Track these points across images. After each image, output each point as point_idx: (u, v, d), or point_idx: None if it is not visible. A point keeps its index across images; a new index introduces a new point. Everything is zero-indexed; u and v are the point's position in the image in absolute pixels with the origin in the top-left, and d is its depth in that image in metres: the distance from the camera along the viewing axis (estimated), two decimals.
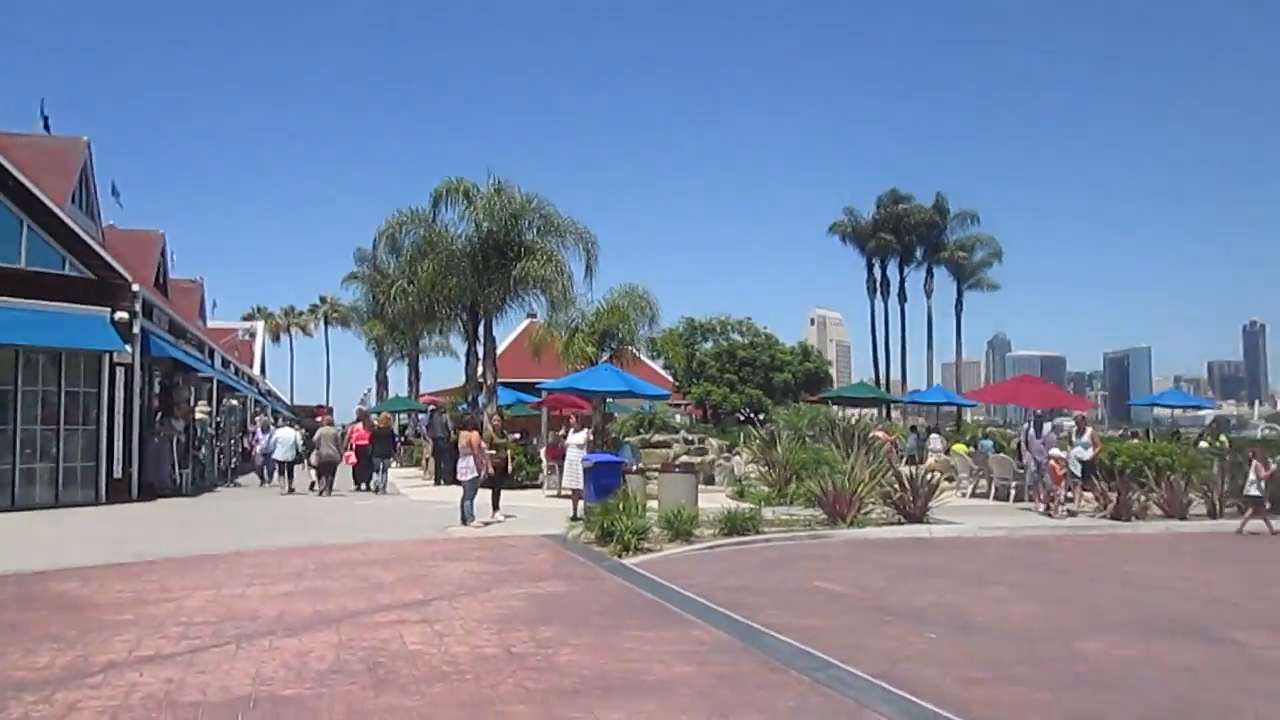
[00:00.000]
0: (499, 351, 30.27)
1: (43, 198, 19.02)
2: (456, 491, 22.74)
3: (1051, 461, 18.33)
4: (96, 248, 20.07)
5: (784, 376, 68.69)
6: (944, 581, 11.19)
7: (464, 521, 15.91)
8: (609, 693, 6.28)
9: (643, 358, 42.35)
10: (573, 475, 17.38)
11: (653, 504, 15.03)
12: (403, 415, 49.06)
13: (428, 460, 29.49)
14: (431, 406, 30.95)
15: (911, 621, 8.84)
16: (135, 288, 20.49)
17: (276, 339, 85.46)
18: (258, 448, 27.08)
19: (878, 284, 73.60)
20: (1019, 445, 21.60)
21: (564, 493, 21.44)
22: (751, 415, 73.10)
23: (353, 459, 24.99)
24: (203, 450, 24.69)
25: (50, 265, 19.34)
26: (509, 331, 44.00)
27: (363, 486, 24.55)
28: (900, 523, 16.17)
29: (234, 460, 27.51)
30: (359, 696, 6.16)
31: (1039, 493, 19.13)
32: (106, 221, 32.62)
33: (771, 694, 6.34)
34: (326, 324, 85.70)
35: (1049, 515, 17.90)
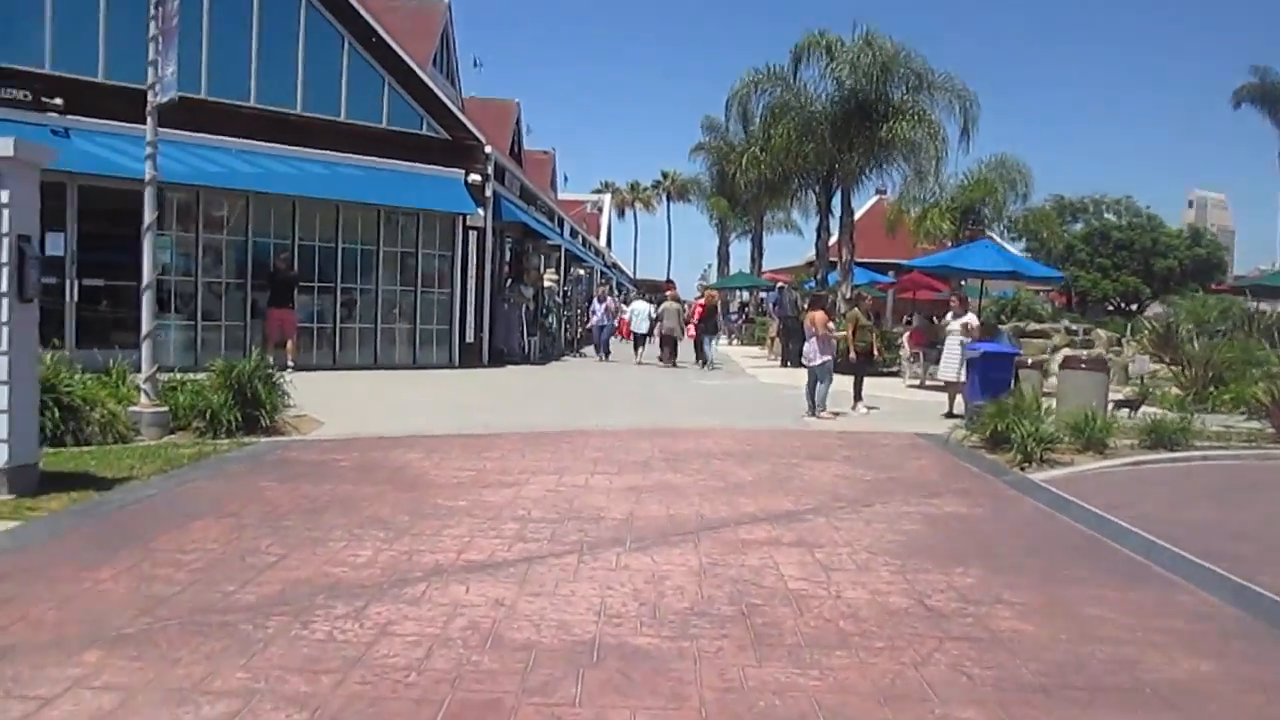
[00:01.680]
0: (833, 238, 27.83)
1: (405, 57, 18.74)
2: (801, 377, 21.16)
3: None
4: (454, 109, 19.72)
5: (1168, 263, 60.91)
6: None
7: (814, 411, 14.14)
8: (1096, 698, 4.25)
9: (994, 239, 38.03)
10: (951, 365, 15.02)
11: (1047, 403, 12.51)
12: (743, 292, 47.95)
13: (773, 340, 27.94)
14: (780, 284, 29.19)
15: None
16: (489, 150, 20.02)
17: (621, 214, 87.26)
18: (593, 320, 26.69)
19: None
20: None
21: (929, 383, 19.21)
22: (1122, 305, 66.04)
23: (693, 333, 25.07)
24: (550, 319, 24.49)
25: (409, 126, 19.16)
26: (856, 208, 41.23)
27: (700, 363, 24.17)
28: None
29: (579, 330, 27.33)
30: (733, 660, 4.52)
31: None
32: (467, 94, 33.15)
33: None
34: (669, 200, 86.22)
35: None
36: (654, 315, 24.63)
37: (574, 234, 36.42)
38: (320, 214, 18.11)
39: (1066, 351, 22.03)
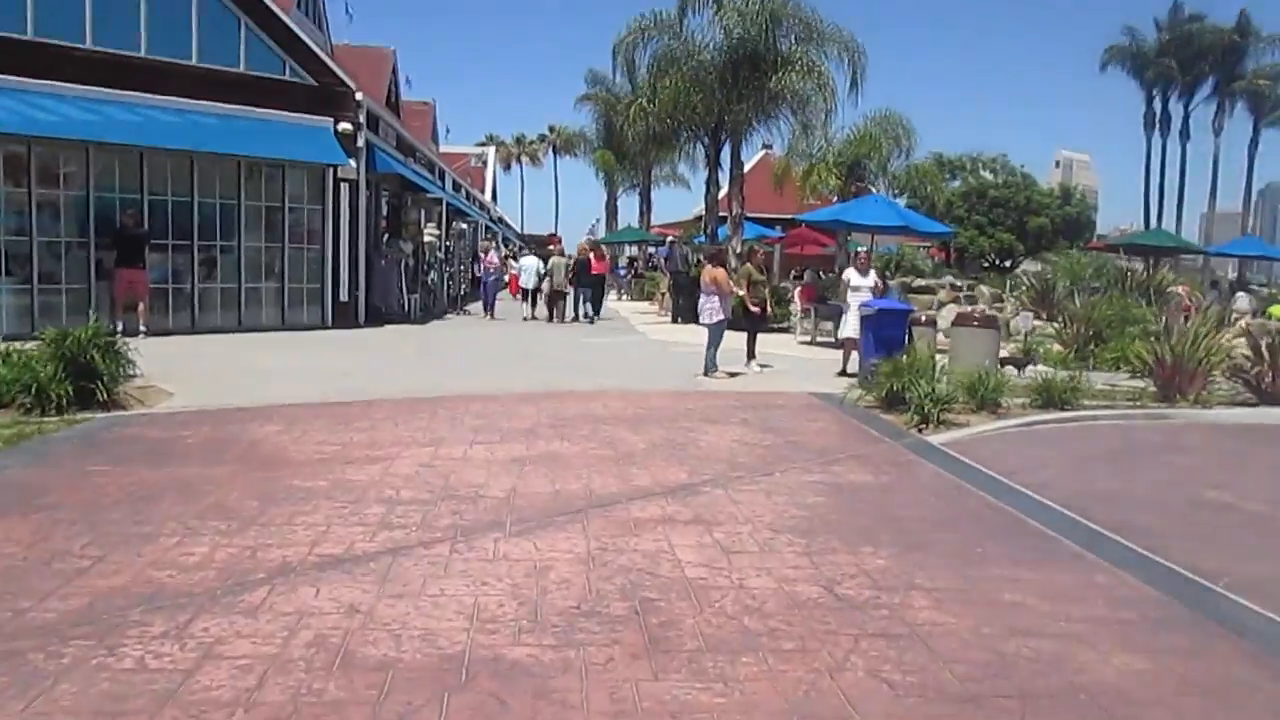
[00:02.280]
0: (722, 191, 27.28)
1: None
2: (698, 333, 20.65)
3: None
4: (319, 52, 18.39)
5: (1040, 221, 62.50)
6: None
7: (707, 371, 13.62)
8: (1030, 707, 3.75)
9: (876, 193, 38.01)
10: (853, 323, 14.70)
11: (939, 362, 12.23)
12: (632, 247, 47.29)
13: (663, 295, 27.37)
14: (670, 238, 28.61)
15: None
16: (359, 96, 18.77)
17: (507, 168, 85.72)
18: (480, 275, 25.70)
19: (1156, 118, 65.51)
20: None
21: (819, 339, 18.92)
22: (998, 261, 67.63)
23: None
24: (431, 275, 23.42)
25: (270, 71, 17.78)
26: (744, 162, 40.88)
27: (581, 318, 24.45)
28: (1253, 403, 12.66)
29: (463, 287, 26.31)
30: (626, 672, 3.89)
31: None
32: (339, 41, 31.47)
33: None
34: (556, 153, 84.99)
35: None
36: (542, 271, 23.87)
37: (456, 187, 35.10)
38: (173, 166, 16.68)
39: (954, 308, 22.11)
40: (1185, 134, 64.85)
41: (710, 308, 13.74)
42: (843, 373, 14.18)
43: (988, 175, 66.82)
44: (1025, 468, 8.28)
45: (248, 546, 5.36)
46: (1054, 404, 11.62)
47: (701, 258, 27.41)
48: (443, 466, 7.48)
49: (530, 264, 24.82)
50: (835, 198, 35.06)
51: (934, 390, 10.66)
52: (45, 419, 8.91)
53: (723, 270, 13.75)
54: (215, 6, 16.97)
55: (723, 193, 26.91)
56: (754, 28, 21.67)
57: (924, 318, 13.61)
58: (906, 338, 13.08)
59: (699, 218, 50.13)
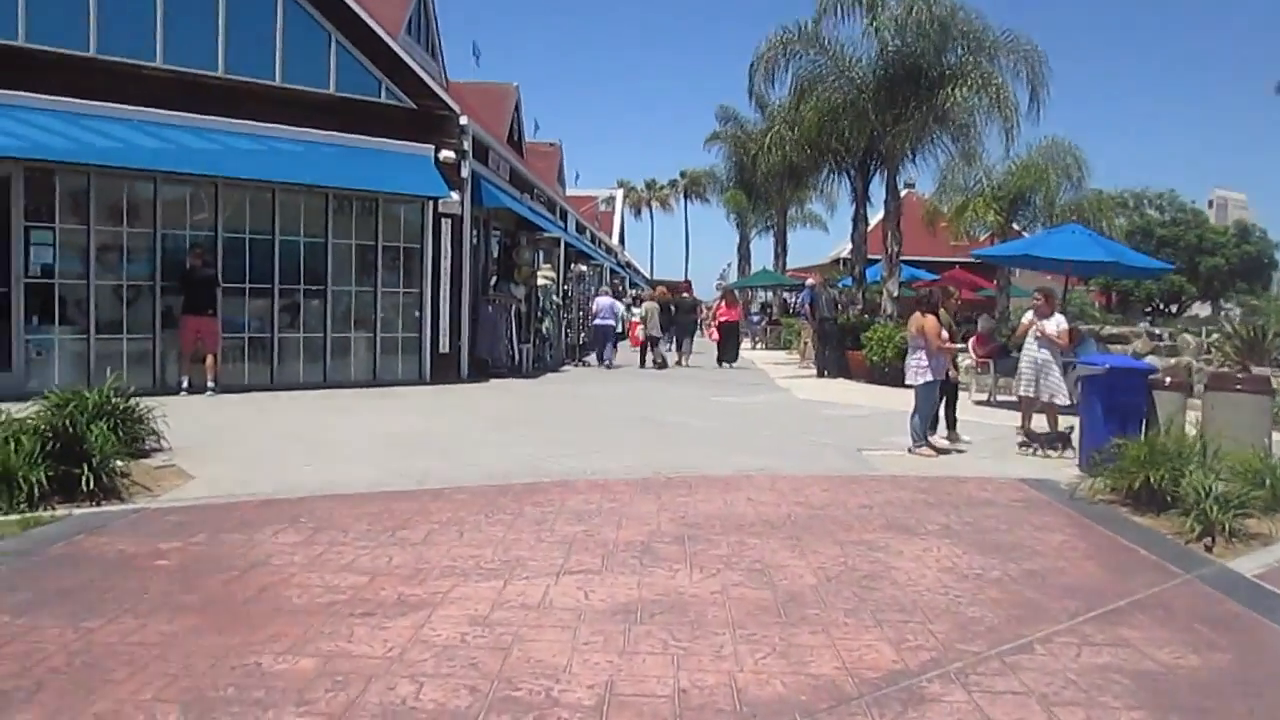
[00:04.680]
0: (869, 228, 24.21)
1: (354, 6, 15.29)
2: (850, 391, 17.69)
3: None
4: (420, 71, 16.27)
5: (1215, 261, 57.26)
6: None
7: (915, 444, 10.74)
8: None
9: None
10: (1036, 378, 11.60)
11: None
12: (766, 291, 44.43)
13: (805, 345, 24.42)
14: (809, 281, 25.71)
15: None
16: (464, 121, 16.58)
17: (638, 213, 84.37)
18: (595, 320, 23.50)
19: None
20: None
21: (999, 398, 15.71)
22: (1162, 305, 62.11)
23: (714, 335, 24.29)
24: (546, 323, 21.03)
25: (363, 92, 15.72)
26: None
27: (723, 364, 23.66)
28: None
29: (582, 335, 23.89)
30: None
31: None
32: (461, 79, 29.90)
33: None
34: (686, 198, 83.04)
35: None
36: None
37: (580, 229, 32.98)
38: (251, 199, 14.72)
39: (1157, 360, 18.59)
40: None
41: (918, 365, 10.83)
42: (1026, 442, 11.14)
43: (1153, 213, 61.81)
44: None
45: None
46: None
47: (854, 303, 24.43)
48: (506, 626, 4.78)
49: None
50: (993, 237, 31.67)
51: (1216, 487, 7.52)
52: (9, 515, 6.62)
53: (934, 319, 10.79)
54: (303, 20, 15.01)
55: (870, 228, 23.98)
56: (917, 37, 18.74)
57: (1169, 380, 10.33)
58: (1147, 407, 9.91)
59: (836, 260, 47.15)
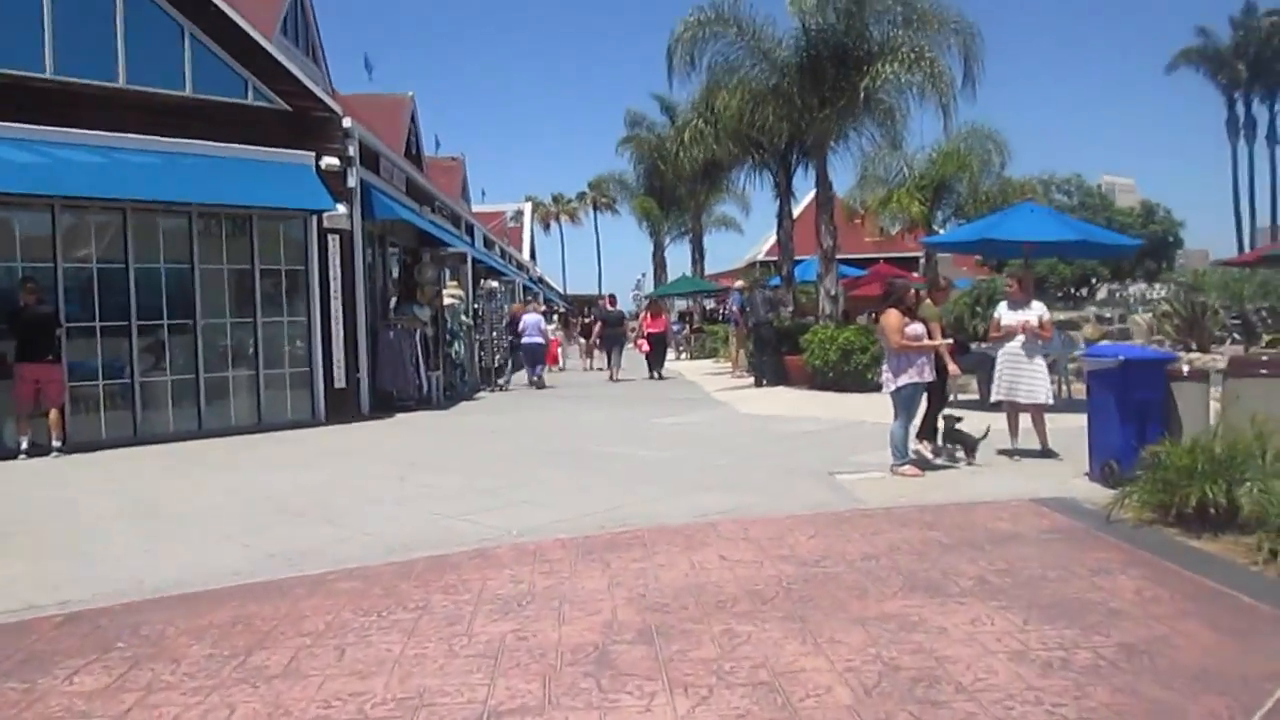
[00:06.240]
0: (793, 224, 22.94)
1: None
2: (796, 402, 16.12)
3: None
4: (292, 68, 14.24)
5: None
6: None
7: (897, 461, 9.11)
8: None
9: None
10: (1022, 379, 10.03)
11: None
12: (685, 299, 42.91)
13: (736, 353, 22.85)
14: (740, 284, 24.25)
15: None
16: (348, 123, 14.59)
17: (546, 228, 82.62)
18: (525, 339, 22.40)
19: (1240, 123, 60.67)
20: None
21: (957, 398, 14.21)
22: (1073, 289, 62.37)
23: (645, 346, 23.88)
24: (456, 346, 19.04)
25: (226, 93, 13.64)
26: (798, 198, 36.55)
27: (654, 375, 23.04)
28: None
29: (497, 356, 21.97)
30: None
31: None
32: (352, 91, 27.89)
33: None
34: (595, 210, 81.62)
35: None
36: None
37: (489, 244, 31.01)
38: (97, 223, 12.55)
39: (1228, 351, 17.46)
40: (1274, 138, 59.93)
41: (888, 369, 9.20)
42: (1014, 449, 9.73)
43: (1062, 197, 61.99)
44: None
45: None
46: None
47: (784, 304, 22.94)
48: None
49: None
50: (920, 228, 30.54)
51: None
52: None
53: (895, 314, 9.13)
54: (148, 11, 12.87)
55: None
56: (835, 15, 17.31)
57: (1186, 369, 8.88)
58: (1166, 402, 8.45)
59: (752, 263, 45.80)
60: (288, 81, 14.08)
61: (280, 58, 14.05)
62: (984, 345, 13.10)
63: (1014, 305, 10.46)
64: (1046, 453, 9.79)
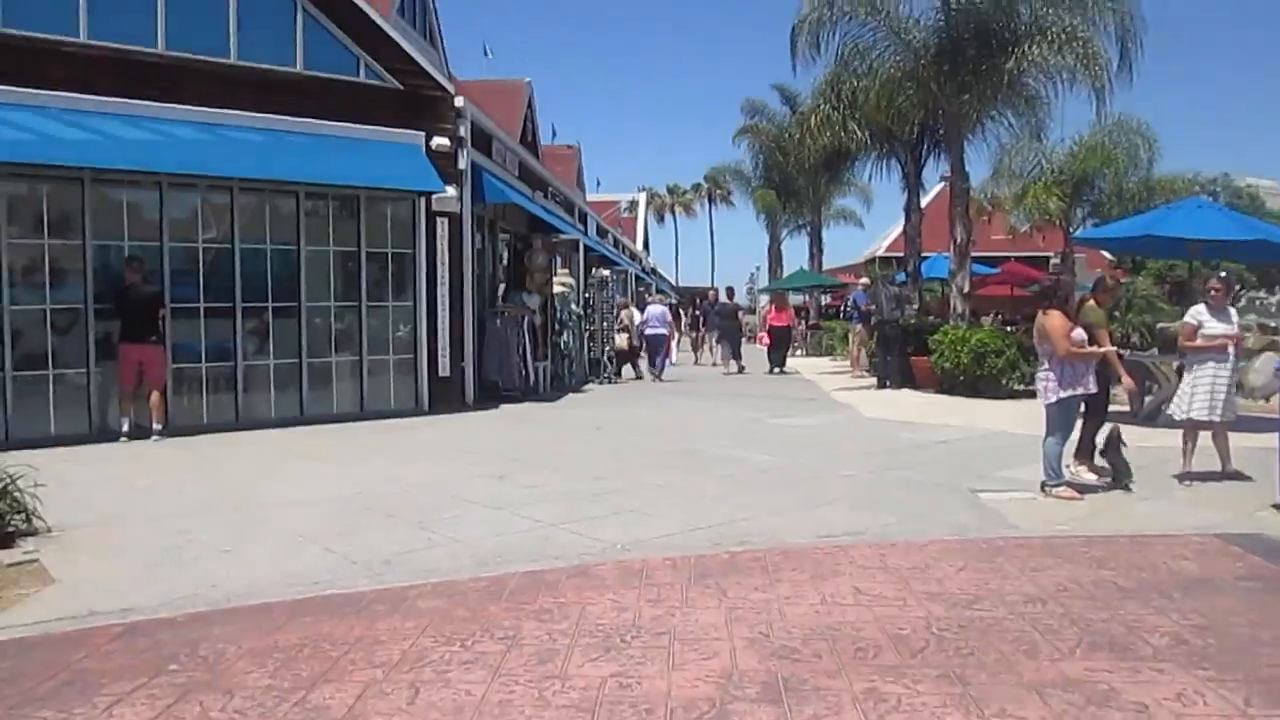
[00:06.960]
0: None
1: None
2: (925, 404, 15.07)
3: None
4: (405, 45, 13.77)
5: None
6: None
7: (1052, 482, 8.09)
8: None
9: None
10: (1218, 395, 8.77)
11: None
12: (802, 294, 41.71)
13: (858, 351, 21.76)
14: (863, 280, 23.20)
15: None
16: (460, 103, 14.08)
17: (661, 219, 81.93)
18: (647, 330, 22.28)
19: None
20: None
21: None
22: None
23: (765, 340, 23.92)
24: (565, 336, 18.47)
25: (337, 70, 13.25)
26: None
27: (774, 370, 22.82)
28: None
29: (608, 347, 21.32)
30: None
31: None
32: (468, 78, 27.65)
33: None
34: (710, 201, 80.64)
35: None
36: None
37: (602, 232, 30.43)
38: (204, 200, 12.30)
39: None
40: None
41: (1045, 379, 8.16)
42: (1185, 474, 8.58)
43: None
44: None
45: None
46: None
47: (909, 302, 21.74)
48: None
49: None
50: (1059, 225, 28.86)
51: None
52: None
53: (1058, 315, 8.09)
54: None
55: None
56: None
57: None
58: None
59: (872, 259, 44.29)
60: (399, 58, 13.63)
61: (392, 32, 13.58)
62: (1148, 354, 11.84)
63: (1215, 313, 9.13)
64: (1232, 474, 8.62)
